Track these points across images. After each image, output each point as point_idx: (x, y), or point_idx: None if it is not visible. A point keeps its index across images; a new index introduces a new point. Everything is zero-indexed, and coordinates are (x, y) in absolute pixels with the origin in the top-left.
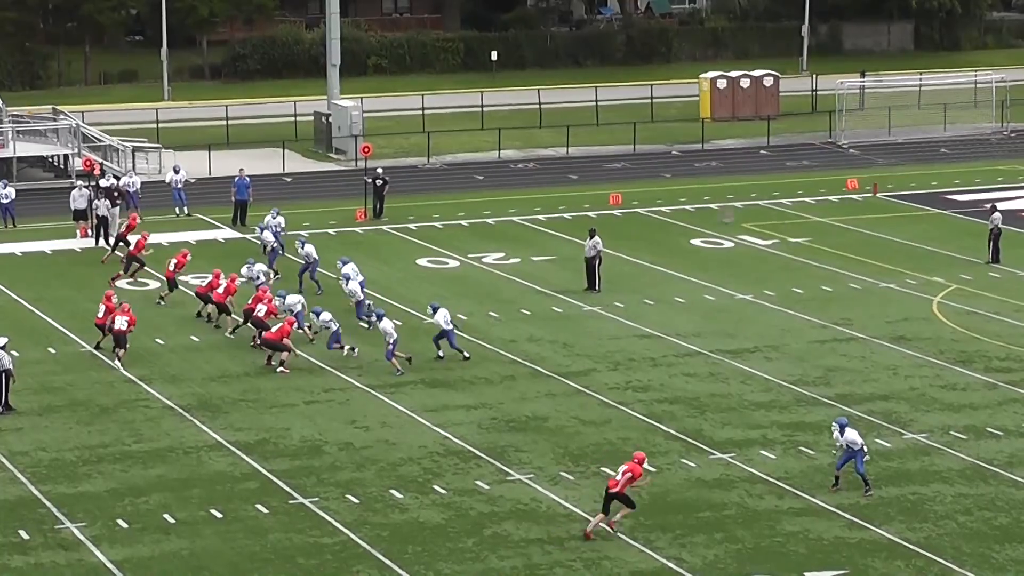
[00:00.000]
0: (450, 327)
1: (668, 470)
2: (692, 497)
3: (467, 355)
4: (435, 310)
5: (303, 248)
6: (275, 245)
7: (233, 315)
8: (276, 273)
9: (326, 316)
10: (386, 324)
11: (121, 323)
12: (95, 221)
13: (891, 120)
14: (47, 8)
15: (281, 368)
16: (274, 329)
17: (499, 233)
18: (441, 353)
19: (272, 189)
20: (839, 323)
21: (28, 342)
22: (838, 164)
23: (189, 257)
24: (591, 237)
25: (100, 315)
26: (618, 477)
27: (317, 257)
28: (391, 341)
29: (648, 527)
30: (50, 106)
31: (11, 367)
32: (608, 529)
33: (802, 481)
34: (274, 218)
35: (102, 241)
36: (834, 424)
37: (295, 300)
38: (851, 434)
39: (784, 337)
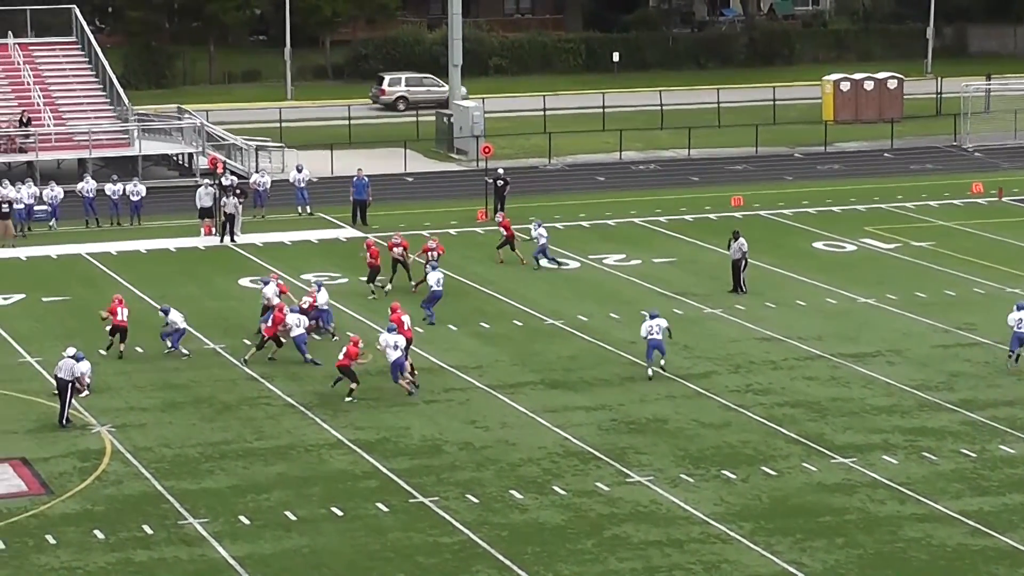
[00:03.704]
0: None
1: (789, 474)
2: (813, 501)
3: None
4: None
5: (537, 229)
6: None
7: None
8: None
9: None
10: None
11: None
12: (222, 219)
13: (1017, 123)
14: (172, 8)
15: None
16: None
17: (620, 234)
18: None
19: (394, 189)
20: (962, 328)
21: (151, 339)
22: (963, 167)
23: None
24: (735, 239)
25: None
26: None
27: (545, 241)
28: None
29: (768, 531)
30: (175, 105)
31: (78, 376)
32: None
33: (924, 487)
34: (537, 228)
35: (226, 238)
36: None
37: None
38: None
39: (906, 341)
